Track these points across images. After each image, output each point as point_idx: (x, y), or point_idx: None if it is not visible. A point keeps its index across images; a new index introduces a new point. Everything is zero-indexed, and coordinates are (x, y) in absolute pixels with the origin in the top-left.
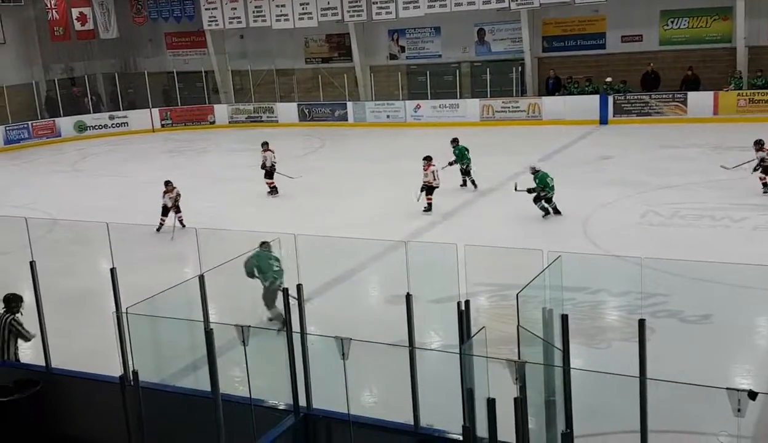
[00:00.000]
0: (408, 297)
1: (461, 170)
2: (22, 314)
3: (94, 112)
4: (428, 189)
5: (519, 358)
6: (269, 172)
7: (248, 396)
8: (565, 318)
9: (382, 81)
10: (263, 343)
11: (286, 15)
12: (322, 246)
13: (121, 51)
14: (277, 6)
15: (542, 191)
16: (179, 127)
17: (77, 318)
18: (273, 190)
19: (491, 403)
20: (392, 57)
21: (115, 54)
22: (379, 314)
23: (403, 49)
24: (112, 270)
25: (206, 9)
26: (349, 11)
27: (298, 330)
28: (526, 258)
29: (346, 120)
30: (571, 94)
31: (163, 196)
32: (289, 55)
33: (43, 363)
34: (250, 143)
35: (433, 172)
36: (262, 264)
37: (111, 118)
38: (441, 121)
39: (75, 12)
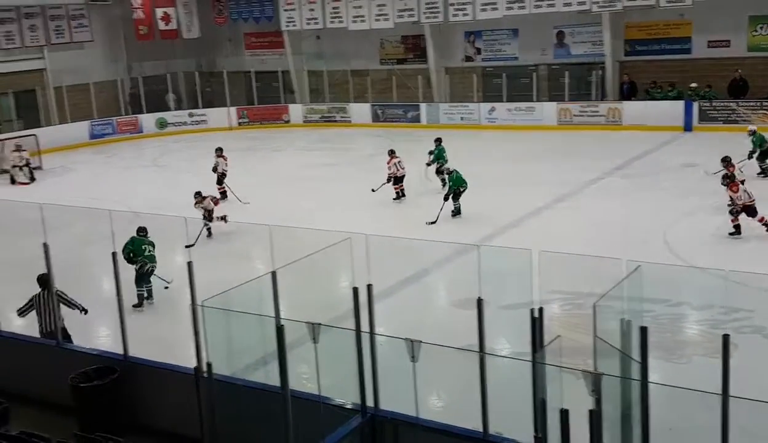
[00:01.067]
0: (479, 301)
1: (436, 169)
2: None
3: (174, 110)
4: (395, 179)
5: (595, 369)
6: (219, 179)
7: (316, 393)
8: (644, 331)
9: (457, 83)
10: (333, 341)
11: (363, 16)
12: (392, 247)
13: (201, 50)
14: (354, 7)
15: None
16: (255, 125)
17: (154, 309)
18: (223, 196)
19: (564, 414)
20: (468, 59)
21: (196, 53)
22: (448, 317)
23: (479, 50)
24: (189, 264)
25: (285, 10)
26: (425, 13)
27: (367, 330)
28: (603, 266)
29: (419, 121)
30: (653, 99)
31: (195, 206)
32: (364, 56)
33: (122, 352)
34: (324, 142)
35: (395, 163)
36: (136, 249)
37: (190, 115)
38: (516, 124)
39: (159, 12)
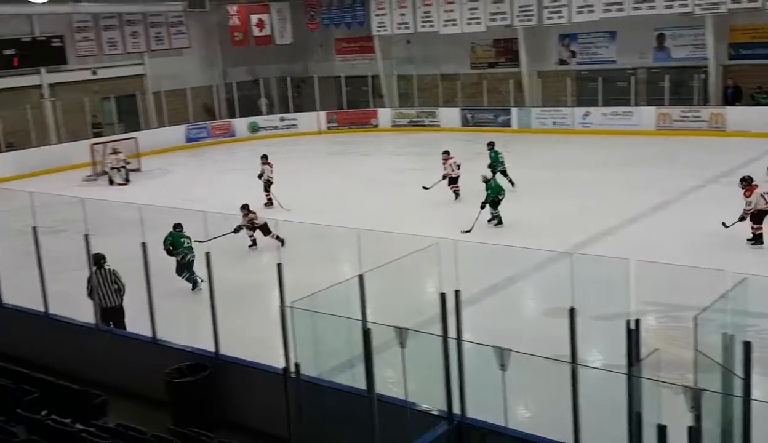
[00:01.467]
0: (572, 311)
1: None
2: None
3: (266, 114)
4: (451, 179)
5: (695, 385)
6: (265, 186)
7: (402, 398)
8: (747, 346)
9: (550, 87)
10: (419, 346)
11: (454, 20)
12: (481, 253)
13: (293, 56)
14: (446, 11)
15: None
16: (344, 129)
17: (244, 308)
18: (269, 203)
19: (662, 430)
20: (562, 62)
21: (288, 58)
22: (538, 326)
23: (574, 54)
24: (279, 265)
25: (376, 15)
26: (518, 16)
27: (455, 337)
28: (704, 278)
29: (510, 126)
30: (759, 104)
31: (242, 220)
32: (455, 60)
33: (213, 350)
34: (412, 147)
35: (451, 164)
36: (175, 242)
37: (282, 119)
38: (612, 129)
39: (254, 18)
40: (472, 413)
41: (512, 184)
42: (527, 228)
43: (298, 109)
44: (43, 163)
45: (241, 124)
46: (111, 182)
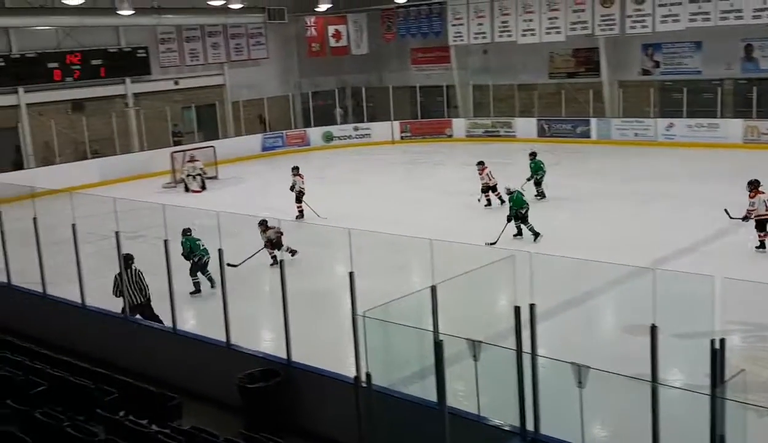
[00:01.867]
0: (653, 328)
1: (534, 181)
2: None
3: (340, 123)
4: (489, 188)
5: None
6: (297, 197)
7: (474, 411)
8: None
9: (631, 97)
10: (491, 360)
11: (533, 30)
12: (558, 266)
13: (368, 66)
14: (524, 21)
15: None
16: (417, 139)
17: (315, 316)
18: (300, 215)
19: None
20: (645, 72)
21: (363, 69)
22: (616, 343)
23: (657, 64)
24: (351, 274)
25: (453, 25)
26: (600, 25)
27: (529, 351)
28: None
29: (589, 137)
30: None
31: (261, 235)
32: (532, 69)
33: (285, 356)
34: (487, 157)
35: (487, 174)
36: (192, 246)
37: (355, 129)
38: (696, 141)
39: (331, 29)
40: (546, 430)
41: (541, 196)
42: (606, 242)
43: (372, 118)
44: (125, 170)
45: (315, 133)
46: (186, 189)
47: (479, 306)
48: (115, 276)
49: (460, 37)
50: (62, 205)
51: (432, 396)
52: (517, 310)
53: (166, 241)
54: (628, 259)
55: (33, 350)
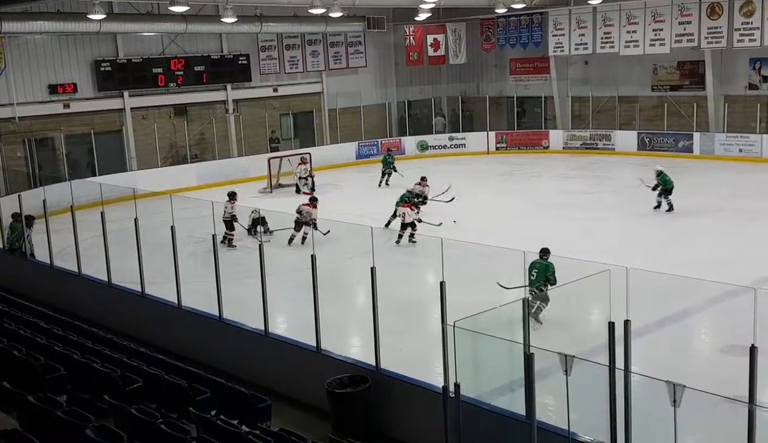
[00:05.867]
0: (752, 349)
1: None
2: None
3: (439, 132)
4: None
5: None
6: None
7: (563, 427)
8: None
9: (737, 112)
10: (582, 375)
11: (636, 41)
12: (655, 283)
13: (465, 75)
14: (628, 32)
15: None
16: (513, 150)
17: (405, 325)
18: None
19: None
20: (752, 87)
21: (460, 78)
22: (712, 363)
23: (765, 79)
24: (442, 284)
25: (553, 35)
26: (707, 37)
27: (622, 368)
28: None
29: (691, 151)
30: None
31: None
32: (634, 82)
33: (374, 363)
34: (583, 170)
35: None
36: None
37: (450, 139)
38: None
39: (430, 38)
40: None
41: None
42: (705, 259)
43: (468, 128)
44: (223, 174)
45: (410, 142)
46: (298, 190)
47: (573, 320)
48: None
49: (561, 47)
50: (163, 206)
51: (521, 409)
52: (611, 326)
53: (260, 245)
54: (728, 277)
55: (130, 347)
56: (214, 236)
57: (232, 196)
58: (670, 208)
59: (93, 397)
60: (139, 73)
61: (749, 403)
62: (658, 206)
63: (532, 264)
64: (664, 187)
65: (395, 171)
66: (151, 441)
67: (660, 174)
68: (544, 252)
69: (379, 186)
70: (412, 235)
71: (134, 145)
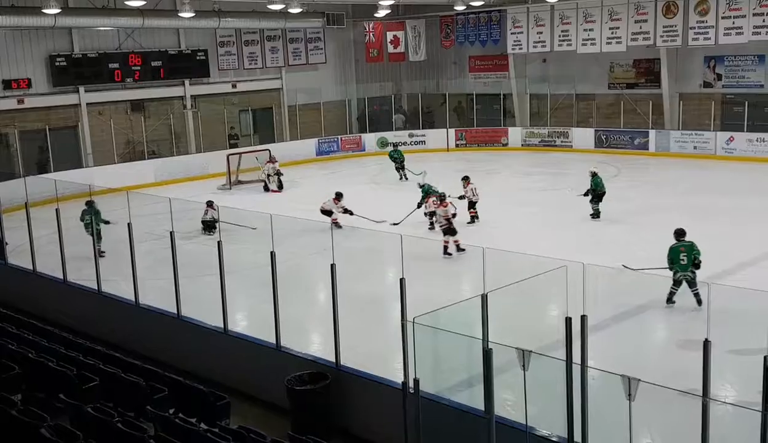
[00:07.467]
0: (706, 343)
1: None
2: None
3: (399, 129)
4: (470, 203)
5: None
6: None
7: (521, 421)
8: None
9: (692, 110)
10: (540, 370)
11: (593, 39)
12: (612, 278)
13: (424, 72)
14: (585, 30)
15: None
16: (472, 147)
17: (365, 321)
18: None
19: None
20: (706, 85)
21: (419, 75)
22: (668, 357)
23: (719, 77)
24: (401, 281)
25: (512, 33)
26: (662, 36)
27: (579, 362)
28: None
29: (647, 149)
30: None
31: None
32: (592, 80)
33: (333, 360)
34: (542, 166)
35: (471, 189)
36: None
37: (410, 135)
38: (757, 156)
39: (389, 35)
40: (594, 442)
41: (596, 215)
42: (661, 255)
43: (428, 125)
44: (181, 171)
45: (370, 139)
46: (266, 188)
47: (531, 316)
48: None
49: (519, 45)
50: (119, 204)
51: (479, 404)
52: (568, 321)
53: (219, 243)
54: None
55: (86, 346)
56: (171, 233)
57: (210, 203)
58: (596, 215)
59: (48, 396)
60: (95, 68)
61: (703, 396)
62: (595, 214)
63: (674, 249)
64: (595, 189)
65: (402, 168)
66: (107, 441)
67: (594, 175)
68: (681, 233)
69: (400, 180)
70: (457, 244)
71: (90, 141)
